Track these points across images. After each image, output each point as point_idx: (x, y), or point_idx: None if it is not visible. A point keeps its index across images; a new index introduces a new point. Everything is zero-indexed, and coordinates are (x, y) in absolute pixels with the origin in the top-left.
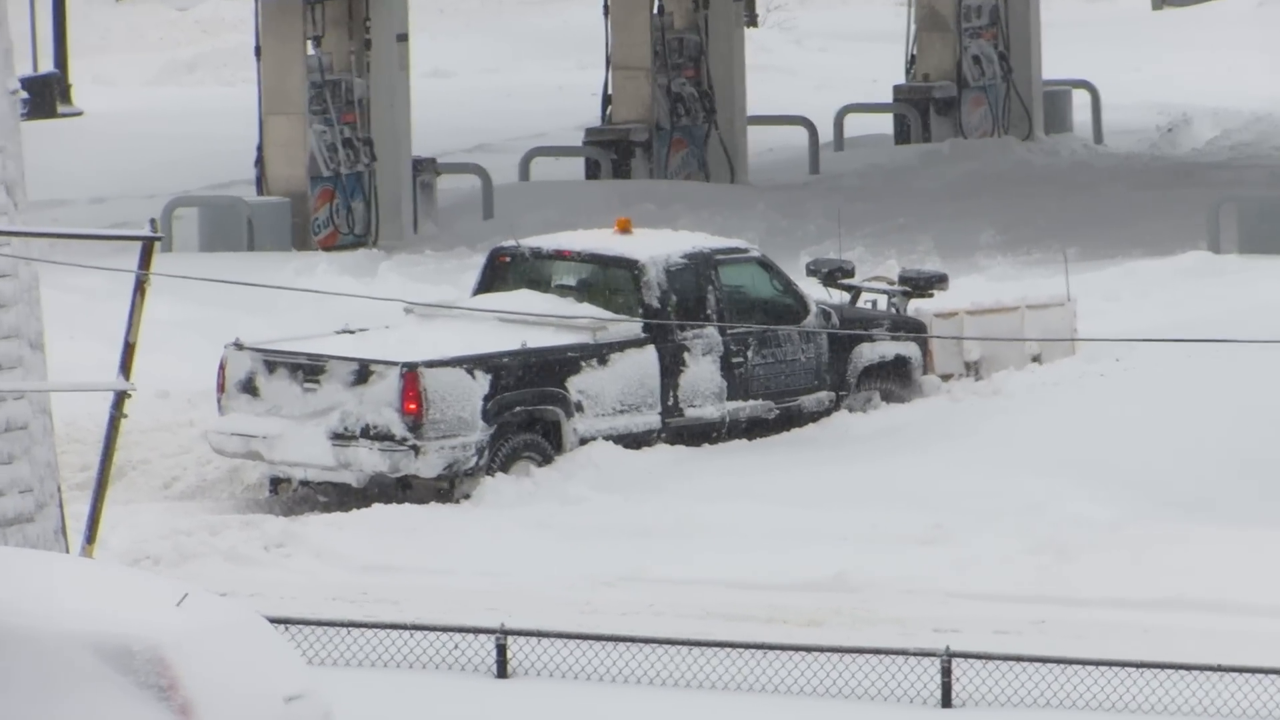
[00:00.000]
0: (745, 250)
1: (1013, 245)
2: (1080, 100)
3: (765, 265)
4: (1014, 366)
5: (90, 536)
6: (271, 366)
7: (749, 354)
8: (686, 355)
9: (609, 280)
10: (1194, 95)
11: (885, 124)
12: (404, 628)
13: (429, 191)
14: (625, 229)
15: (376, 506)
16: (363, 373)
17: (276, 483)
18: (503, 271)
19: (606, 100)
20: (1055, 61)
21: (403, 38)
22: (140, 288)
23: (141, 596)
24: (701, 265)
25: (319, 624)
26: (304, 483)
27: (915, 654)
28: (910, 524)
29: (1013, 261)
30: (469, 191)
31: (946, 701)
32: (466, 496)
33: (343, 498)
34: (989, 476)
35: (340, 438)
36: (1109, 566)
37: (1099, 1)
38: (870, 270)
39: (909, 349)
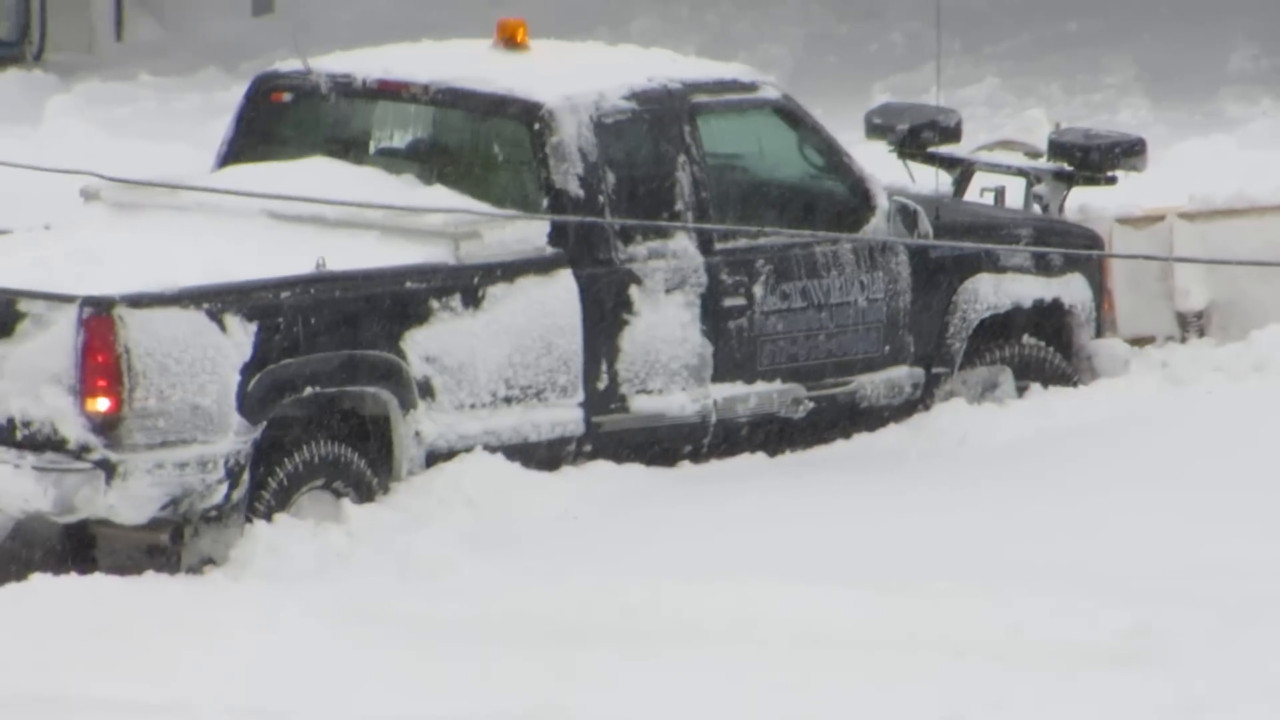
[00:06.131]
0: (751, 86)
1: None
2: None
3: (790, 116)
4: None
5: None
6: None
7: (756, 290)
8: (635, 290)
9: (485, 140)
10: None
11: None
12: None
13: None
14: (515, 40)
15: (35, 580)
16: (1, 316)
17: None
18: (279, 120)
19: None
20: None
21: None
22: None
23: None
24: (665, 114)
25: None
26: None
27: None
28: (1091, 627)
29: None
30: None
31: None
32: (210, 562)
33: None
34: (1252, 534)
35: None
36: None
37: None
38: (996, 129)
39: (1069, 287)
